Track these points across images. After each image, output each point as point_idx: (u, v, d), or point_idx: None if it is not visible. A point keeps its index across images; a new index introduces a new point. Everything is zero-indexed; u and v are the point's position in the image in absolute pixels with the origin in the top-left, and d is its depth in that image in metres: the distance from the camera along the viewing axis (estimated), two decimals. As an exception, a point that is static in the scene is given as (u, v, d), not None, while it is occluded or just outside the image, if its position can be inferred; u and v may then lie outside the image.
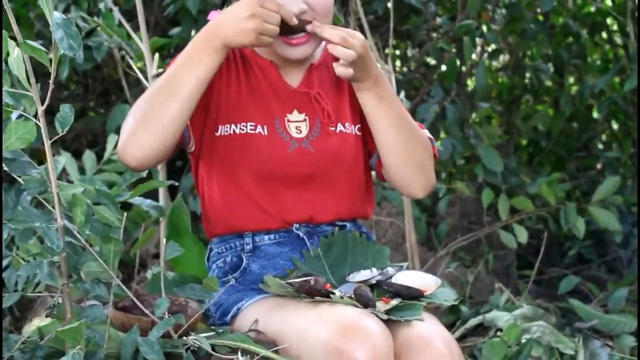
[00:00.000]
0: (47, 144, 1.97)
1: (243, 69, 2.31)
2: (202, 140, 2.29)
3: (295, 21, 2.16)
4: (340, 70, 2.17)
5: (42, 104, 1.97)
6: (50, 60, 1.95)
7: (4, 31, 1.95)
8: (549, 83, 5.28)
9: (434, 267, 3.95)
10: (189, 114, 2.12)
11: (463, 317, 3.45)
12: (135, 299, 2.10)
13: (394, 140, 2.25)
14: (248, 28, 2.07)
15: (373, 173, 2.43)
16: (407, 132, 2.26)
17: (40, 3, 1.92)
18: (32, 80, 1.97)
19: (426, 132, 2.35)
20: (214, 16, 2.16)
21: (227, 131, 2.26)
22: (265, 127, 2.26)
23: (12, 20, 1.93)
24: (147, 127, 2.08)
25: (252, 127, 2.26)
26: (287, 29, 2.17)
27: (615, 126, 5.30)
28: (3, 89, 1.98)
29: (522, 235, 4.05)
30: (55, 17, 1.92)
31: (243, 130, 2.26)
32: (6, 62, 1.96)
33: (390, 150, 2.27)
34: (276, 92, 2.30)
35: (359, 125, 2.33)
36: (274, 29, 2.10)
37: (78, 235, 2.02)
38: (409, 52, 5.34)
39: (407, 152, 2.26)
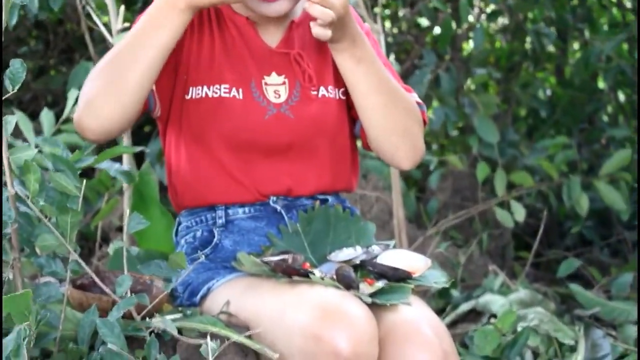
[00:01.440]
0: (-5, 103, 1.94)
1: (217, 26, 2.28)
2: (171, 104, 2.27)
3: None
4: (318, 31, 2.14)
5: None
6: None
7: None
8: (551, 49, 5.26)
9: (423, 246, 3.94)
10: (151, 82, 2.10)
11: (454, 301, 3.45)
12: (94, 276, 2.08)
13: (375, 105, 2.23)
14: None
15: (359, 142, 2.41)
16: (390, 96, 2.23)
17: None
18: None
19: (415, 96, 2.32)
20: None
21: (198, 94, 2.24)
22: (240, 90, 2.24)
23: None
24: (105, 96, 2.07)
25: (226, 90, 2.23)
26: None
27: (622, 97, 5.29)
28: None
29: (520, 213, 4.03)
30: None
31: (216, 93, 2.23)
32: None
33: (371, 116, 2.24)
34: (253, 52, 2.28)
35: (343, 89, 2.30)
36: None
37: (32, 205, 1.99)
38: (400, 12, 5.31)
39: (390, 118, 2.23)
